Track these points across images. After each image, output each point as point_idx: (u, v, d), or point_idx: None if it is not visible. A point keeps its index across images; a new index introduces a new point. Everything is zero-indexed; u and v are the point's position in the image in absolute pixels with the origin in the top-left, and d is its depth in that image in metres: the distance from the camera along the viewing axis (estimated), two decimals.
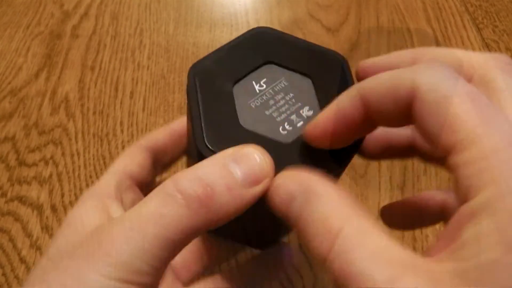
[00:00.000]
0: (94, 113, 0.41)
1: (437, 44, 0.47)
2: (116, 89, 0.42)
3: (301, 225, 0.14)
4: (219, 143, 0.17)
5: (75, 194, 0.36)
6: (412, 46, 0.47)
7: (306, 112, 0.19)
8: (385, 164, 0.38)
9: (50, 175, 0.37)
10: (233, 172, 0.15)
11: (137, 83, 0.43)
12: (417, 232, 0.34)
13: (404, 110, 0.14)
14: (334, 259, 0.12)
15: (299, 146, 0.18)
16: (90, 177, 0.37)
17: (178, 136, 0.23)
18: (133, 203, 0.20)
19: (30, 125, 0.40)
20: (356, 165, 0.38)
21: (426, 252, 0.13)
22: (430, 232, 0.34)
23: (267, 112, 0.19)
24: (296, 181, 0.15)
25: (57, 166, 0.37)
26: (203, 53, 0.44)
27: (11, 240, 0.33)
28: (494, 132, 0.12)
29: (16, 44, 0.45)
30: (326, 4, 0.51)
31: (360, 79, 0.19)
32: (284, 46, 0.21)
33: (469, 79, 0.16)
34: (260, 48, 0.20)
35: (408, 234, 0.34)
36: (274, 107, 0.19)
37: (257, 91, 0.19)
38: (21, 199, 0.35)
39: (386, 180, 0.37)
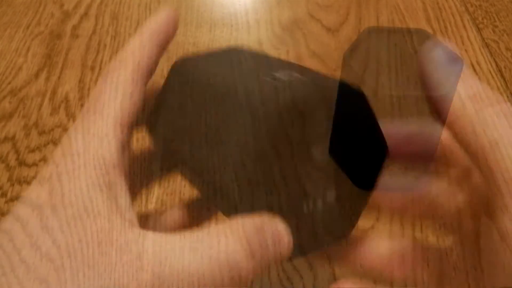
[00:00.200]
0: None
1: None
2: None
3: None
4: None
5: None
6: (412, 46, 0.47)
7: None
8: None
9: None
10: None
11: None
12: (417, 232, 0.34)
13: None
14: None
15: None
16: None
17: (158, 38, 0.18)
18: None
19: (30, 125, 0.40)
20: None
21: None
22: (430, 232, 0.34)
23: None
24: None
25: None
26: None
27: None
28: None
29: (16, 44, 0.45)
30: (326, 4, 0.51)
31: None
32: None
33: None
34: None
35: (408, 234, 0.34)
36: None
37: None
38: None
39: None
